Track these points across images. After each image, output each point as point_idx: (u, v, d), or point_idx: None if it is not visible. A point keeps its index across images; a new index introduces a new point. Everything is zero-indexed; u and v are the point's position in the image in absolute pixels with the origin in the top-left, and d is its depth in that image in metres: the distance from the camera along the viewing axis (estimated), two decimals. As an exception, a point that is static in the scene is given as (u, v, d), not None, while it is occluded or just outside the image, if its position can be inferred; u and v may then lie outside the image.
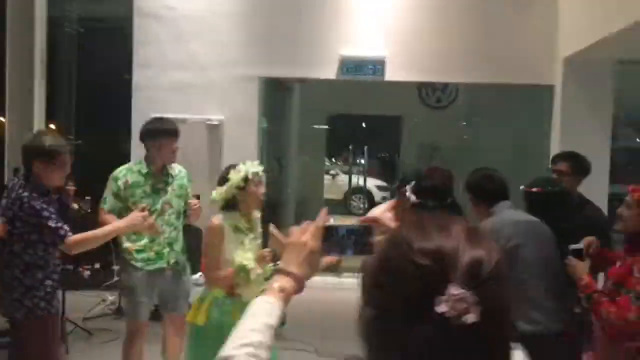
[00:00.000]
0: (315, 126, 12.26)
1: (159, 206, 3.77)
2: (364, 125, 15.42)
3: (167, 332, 3.92)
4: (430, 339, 0.76)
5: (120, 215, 3.64)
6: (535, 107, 8.36)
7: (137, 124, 7.48)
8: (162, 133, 3.80)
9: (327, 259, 2.87)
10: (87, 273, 7.51)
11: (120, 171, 3.82)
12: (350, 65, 7.23)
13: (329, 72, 7.32)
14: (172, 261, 3.86)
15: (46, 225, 3.13)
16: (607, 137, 6.89)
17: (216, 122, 7.28)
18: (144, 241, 3.77)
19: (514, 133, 10.01)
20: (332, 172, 16.13)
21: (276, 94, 9.60)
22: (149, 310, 3.92)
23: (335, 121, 13.43)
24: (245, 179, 3.07)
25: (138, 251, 3.79)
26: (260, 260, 3.09)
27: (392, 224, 1.76)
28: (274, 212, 8.74)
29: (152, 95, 7.38)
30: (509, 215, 3.11)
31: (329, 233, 1.52)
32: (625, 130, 12.70)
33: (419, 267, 0.79)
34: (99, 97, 9.28)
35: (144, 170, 3.80)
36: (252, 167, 3.11)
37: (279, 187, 10.78)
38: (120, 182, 3.75)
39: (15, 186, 3.22)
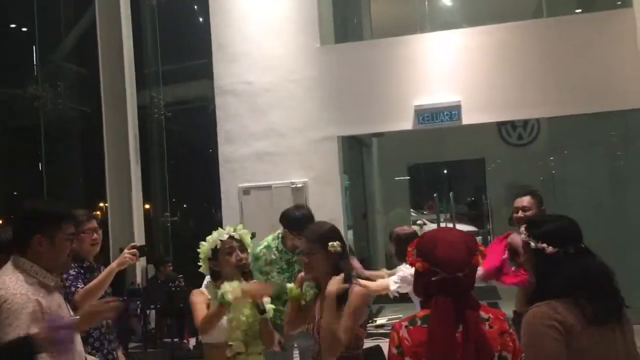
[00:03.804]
0: (397, 178, 12.26)
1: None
2: (445, 171, 15.28)
3: None
4: None
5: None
6: (624, 133, 8.02)
7: (226, 194, 7.80)
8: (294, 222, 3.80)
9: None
10: (192, 344, 7.70)
11: (260, 249, 3.90)
12: (426, 114, 7.26)
13: (405, 123, 7.37)
14: None
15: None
16: None
17: (300, 185, 7.46)
18: None
19: (605, 162, 9.56)
20: (418, 222, 15.94)
21: (354, 150, 9.73)
22: None
23: (416, 171, 13.39)
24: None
25: None
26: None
27: None
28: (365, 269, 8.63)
29: (237, 167, 7.71)
30: None
31: None
32: None
33: None
34: (188, 174, 9.78)
35: (279, 247, 3.91)
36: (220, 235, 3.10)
37: (366, 243, 10.74)
38: (261, 261, 3.86)
39: None
